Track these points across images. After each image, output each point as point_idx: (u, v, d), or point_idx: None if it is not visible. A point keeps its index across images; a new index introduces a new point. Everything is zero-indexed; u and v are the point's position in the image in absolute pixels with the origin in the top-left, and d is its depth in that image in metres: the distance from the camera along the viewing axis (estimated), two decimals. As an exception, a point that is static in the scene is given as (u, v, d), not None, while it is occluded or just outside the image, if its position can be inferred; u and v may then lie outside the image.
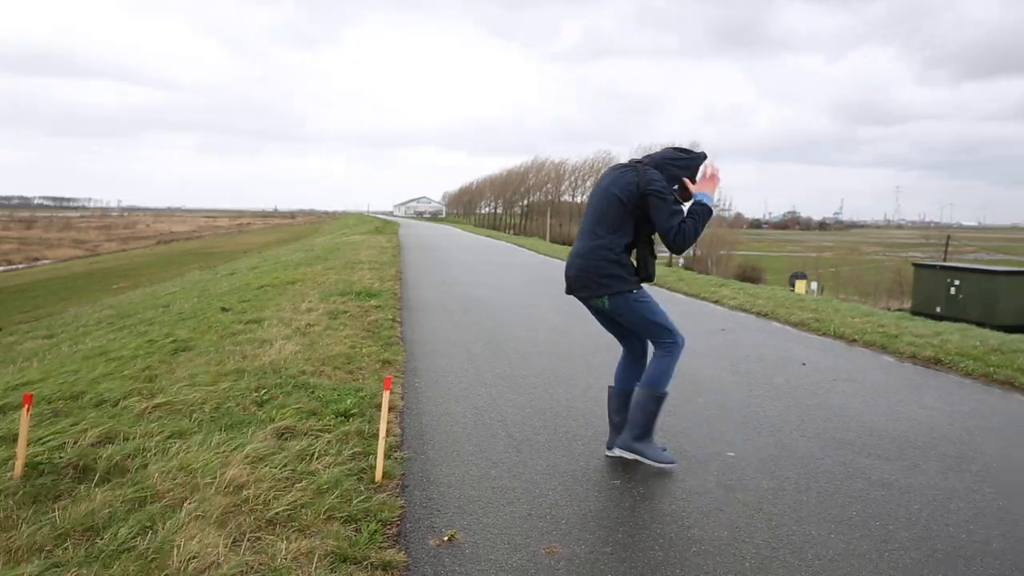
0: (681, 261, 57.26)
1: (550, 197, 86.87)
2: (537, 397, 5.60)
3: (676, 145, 4.57)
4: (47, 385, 5.60)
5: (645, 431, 4.08)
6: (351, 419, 4.64)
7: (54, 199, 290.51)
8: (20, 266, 62.31)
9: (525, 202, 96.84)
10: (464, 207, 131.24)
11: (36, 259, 69.37)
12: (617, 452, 4.20)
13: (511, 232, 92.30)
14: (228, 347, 6.74)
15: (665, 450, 4.21)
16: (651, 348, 4.22)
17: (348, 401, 4.98)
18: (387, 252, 22.21)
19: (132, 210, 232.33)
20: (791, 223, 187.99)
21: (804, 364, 6.98)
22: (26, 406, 3.56)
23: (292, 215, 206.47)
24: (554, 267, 19.30)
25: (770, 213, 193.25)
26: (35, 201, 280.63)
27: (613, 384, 4.35)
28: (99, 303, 20.58)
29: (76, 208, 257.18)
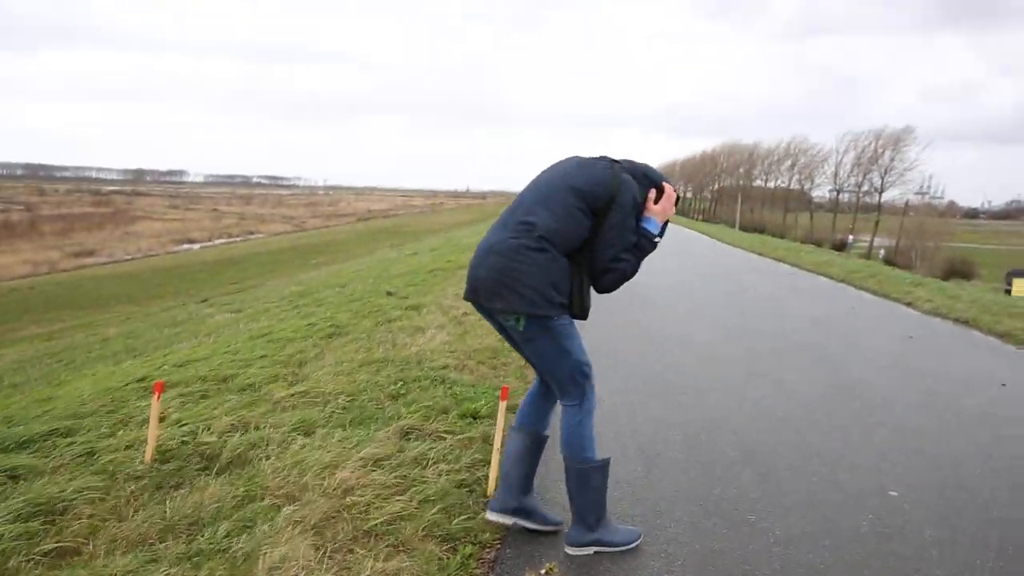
0: (882, 253, 53.45)
1: (741, 182, 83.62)
2: (683, 407, 5.21)
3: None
4: (207, 364, 5.84)
5: (600, 511, 3.13)
6: (479, 422, 4.47)
7: (269, 178, 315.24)
8: (237, 239, 67.71)
9: (715, 186, 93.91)
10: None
11: (251, 233, 74.95)
12: (572, 550, 3.10)
13: (699, 217, 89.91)
14: (381, 334, 6.81)
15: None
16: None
17: (481, 401, 4.82)
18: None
19: (336, 189, 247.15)
20: (1015, 213, 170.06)
21: (1004, 385, 6.10)
22: (157, 393, 3.64)
23: (483, 195, 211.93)
24: (736, 258, 18.43)
25: (990, 202, 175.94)
26: (254, 179, 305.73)
27: (514, 423, 3.34)
28: (293, 278, 21.88)
29: (288, 186, 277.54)
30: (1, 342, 18.15)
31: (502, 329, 3.19)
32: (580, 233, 2.99)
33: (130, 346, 9.52)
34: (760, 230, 75.74)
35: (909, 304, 10.64)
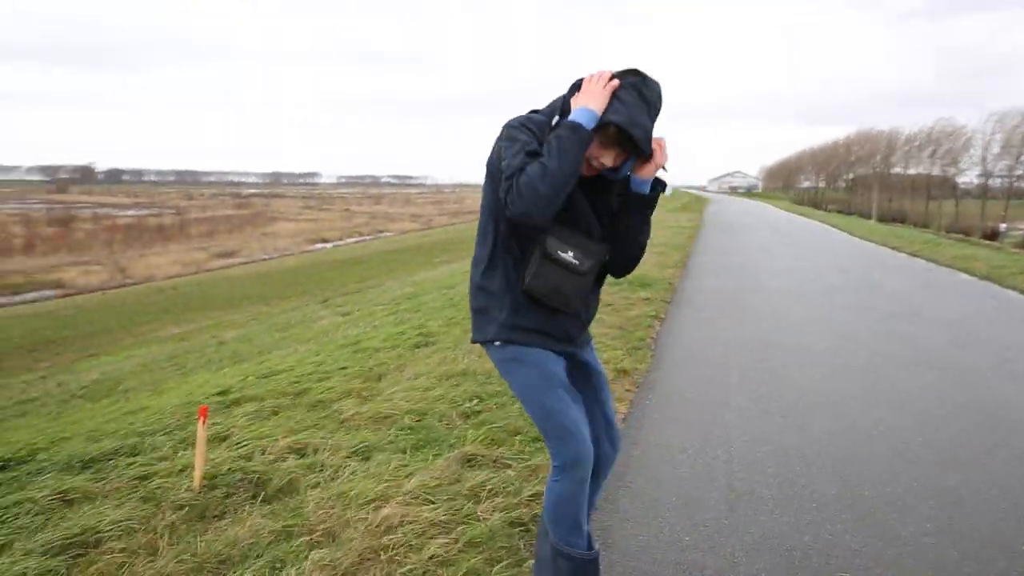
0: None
1: (878, 170, 79.13)
2: (785, 431, 4.69)
3: None
4: (289, 376, 5.77)
5: None
6: (549, 446, 4.14)
7: (398, 177, 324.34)
8: (368, 238, 69.64)
9: (850, 175, 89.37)
10: (783, 181, 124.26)
11: (381, 231, 76.93)
12: None
13: (832, 208, 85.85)
14: (468, 343, 6.57)
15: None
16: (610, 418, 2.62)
17: (556, 421, 4.50)
18: (684, 233, 21.41)
19: (462, 186, 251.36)
20: None
21: None
22: (202, 419, 3.51)
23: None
24: (866, 253, 17.25)
25: None
26: (383, 179, 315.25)
27: None
28: (410, 278, 22.10)
29: (415, 185, 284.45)
30: (141, 341, 19.16)
31: None
32: (495, 221, 2.33)
33: (238, 351, 9.70)
34: (900, 220, 71.50)
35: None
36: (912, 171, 78.49)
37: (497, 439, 4.18)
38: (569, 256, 2.24)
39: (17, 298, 34.83)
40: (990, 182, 65.03)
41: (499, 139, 2.25)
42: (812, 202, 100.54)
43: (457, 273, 17.85)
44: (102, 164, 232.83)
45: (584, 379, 2.50)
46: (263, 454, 3.88)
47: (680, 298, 9.81)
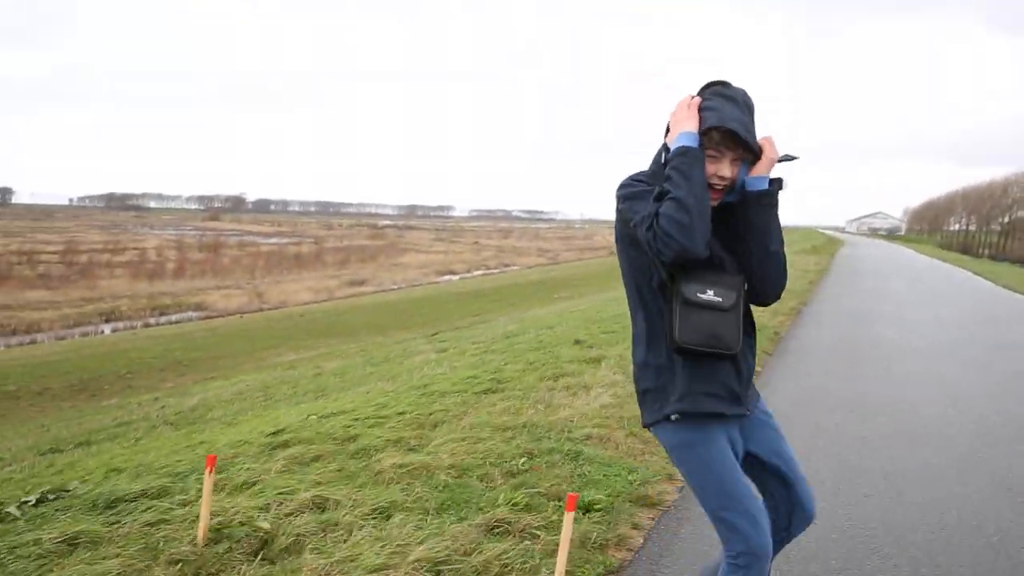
0: None
1: (1040, 214, 73.65)
2: (851, 510, 4.13)
3: None
4: (346, 418, 5.61)
5: None
6: (586, 517, 3.77)
7: (528, 211, 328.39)
8: (494, 271, 70.47)
9: (1006, 219, 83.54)
10: (929, 223, 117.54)
11: (507, 265, 77.73)
12: None
13: (985, 253, 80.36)
14: (540, 392, 6.27)
15: None
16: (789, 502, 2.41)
17: (603, 489, 4.12)
18: (807, 277, 20.38)
19: (592, 222, 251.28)
20: None
21: None
22: (209, 468, 3.35)
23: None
24: (1009, 305, 15.82)
25: None
26: (514, 213, 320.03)
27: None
28: (522, 314, 21.98)
29: (545, 220, 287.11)
30: (259, 367, 19.82)
31: None
32: (639, 291, 2.25)
33: (326, 385, 9.73)
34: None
35: None
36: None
37: (533, 504, 3.85)
38: (711, 295, 2.11)
39: (163, 319, 37.06)
40: None
41: (618, 206, 2.19)
42: (962, 247, 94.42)
43: (567, 312, 17.57)
44: (252, 195, 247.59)
45: (770, 436, 2.36)
46: (280, 506, 3.70)
47: (784, 348, 9.16)
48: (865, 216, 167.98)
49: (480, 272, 68.00)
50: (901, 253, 45.47)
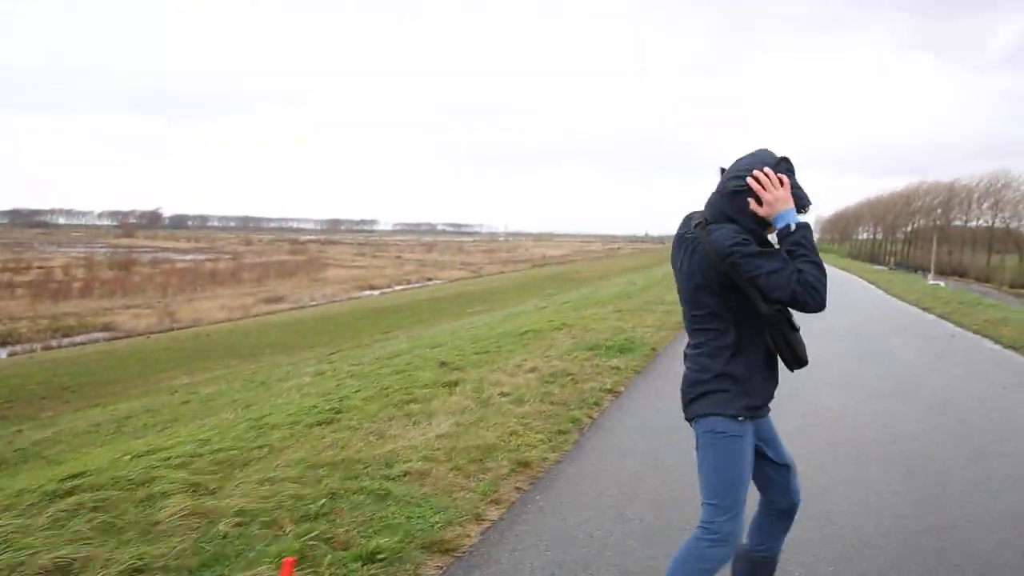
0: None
1: (938, 222, 76.82)
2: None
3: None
4: (155, 458, 5.18)
5: None
6: (364, 568, 3.46)
7: (453, 225, 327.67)
8: (416, 285, 69.78)
9: (909, 227, 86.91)
10: (840, 233, 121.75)
11: (429, 279, 77.10)
12: None
13: (891, 261, 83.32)
14: (378, 422, 5.94)
15: None
16: (786, 485, 2.98)
17: (397, 532, 3.81)
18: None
19: (517, 235, 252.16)
20: None
21: None
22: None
23: (661, 240, 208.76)
24: (894, 315, 16.18)
25: None
26: (438, 227, 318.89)
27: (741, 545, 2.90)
28: (415, 333, 21.61)
29: (470, 233, 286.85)
30: (147, 391, 18.97)
31: None
32: (733, 312, 2.69)
33: (183, 413, 9.22)
34: (960, 274, 68.98)
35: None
36: (973, 224, 76.04)
37: (314, 557, 3.51)
38: (795, 320, 2.75)
39: (67, 340, 35.38)
40: (1056, 236, 62.57)
41: (731, 259, 2.55)
42: (869, 254, 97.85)
43: (465, 328, 17.25)
44: (169, 210, 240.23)
45: (769, 427, 2.93)
46: (11, 573, 3.28)
47: (656, 367, 9.04)
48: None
49: (401, 287, 67.25)
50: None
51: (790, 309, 2.67)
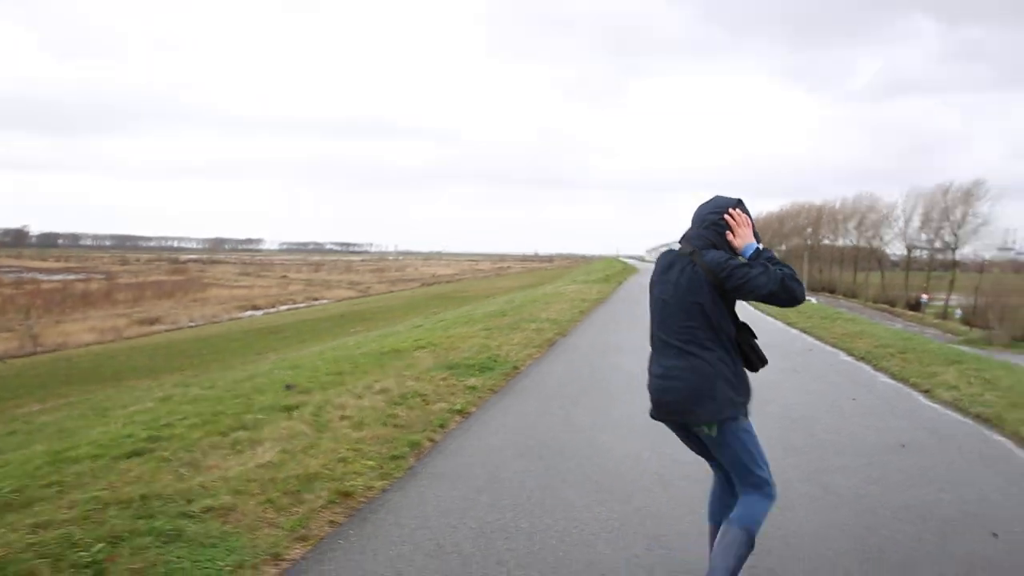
0: (958, 313, 50.01)
1: (809, 242, 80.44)
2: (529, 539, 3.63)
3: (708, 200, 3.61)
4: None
5: None
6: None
7: (342, 244, 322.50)
8: (301, 305, 67.89)
9: (783, 247, 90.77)
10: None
11: (315, 299, 75.22)
12: None
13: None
14: (196, 451, 5.44)
15: None
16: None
17: (175, 580, 3.38)
18: (582, 305, 20.63)
19: (407, 254, 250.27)
20: None
21: (996, 536, 4.33)
22: None
23: (550, 259, 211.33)
24: (771, 331, 16.54)
25: None
26: (327, 246, 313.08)
27: (709, 520, 3.67)
28: (287, 354, 20.82)
29: (359, 252, 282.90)
30: (-11, 422, 17.48)
31: (688, 438, 3.57)
32: (724, 316, 3.36)
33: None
34: (830, 290, 72.34)
35: (927, 392, 8.70)
36: (841, 243, 79.99)
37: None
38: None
39: (-89, 368, 32.59)
40: (914, 254, 66.38)
41: (722, 274, 3.27)
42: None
43: (334, 349, 16.64)
44: (37, 228, 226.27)
45: None
46: None
47: (514, 387, 8.79)
48: (661, 245, 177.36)
49: (286, 307, 65.27)
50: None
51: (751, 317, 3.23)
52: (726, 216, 3.40)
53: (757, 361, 3.45)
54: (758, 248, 3.35)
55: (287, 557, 3.82)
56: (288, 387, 8.09)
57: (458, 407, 7.27)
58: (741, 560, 3.25)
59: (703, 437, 3.40)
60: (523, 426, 6.76)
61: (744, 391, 3.38)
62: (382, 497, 4.77)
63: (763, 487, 3.37)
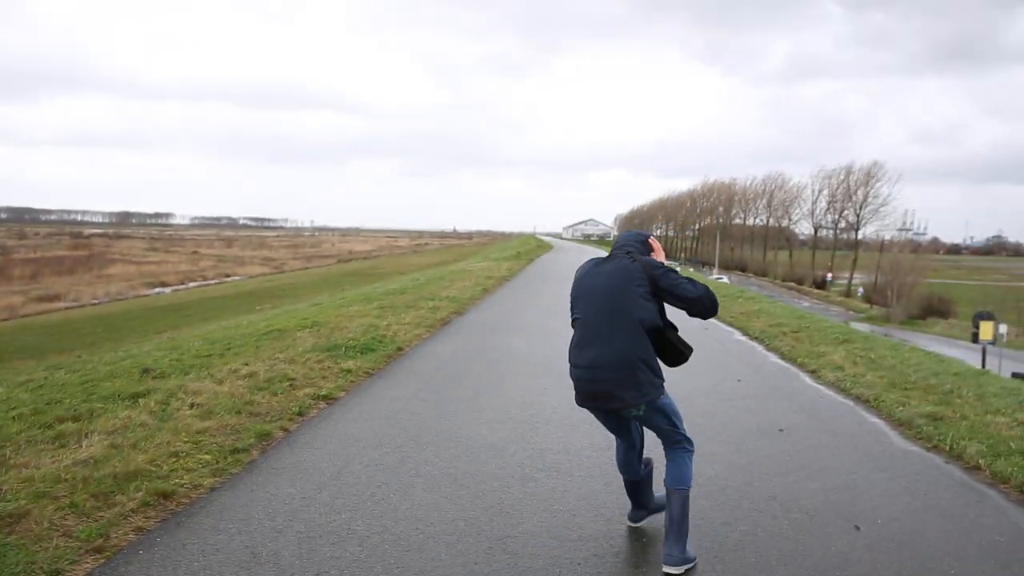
0: (860, 291, 51.70)
1: (720, 220, 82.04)
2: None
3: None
4: None
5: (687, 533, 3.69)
6: None
7: (256, 219, 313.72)
8: (212, 282, 65.84)
9: (697, 226, 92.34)
10: (636, 229, 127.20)
11: (228, 275, 73.16)
12: (672, 571, 3.58)
13: (682, 257, 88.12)
14: (7, 447, 4.87)
15: None
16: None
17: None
18: (487, 283, 20.29)
19: (323, 230, 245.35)
20: (997, 248, 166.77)
21: (858, 529, 4.15)
22: None
23: (469, 235, 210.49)
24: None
25: (972, 238, 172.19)
26: (240, 221, 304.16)
27: (625, 475, 4.05)
28: (185, 332, 19.93)
29: (274, 228, 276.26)
30: None
31: (608, 419, 3.85)
32: (655, 314, 3.67)
33: None
34: (743, 268, 73.99)
35: (813, 372, 8.64)
36: (751, 222, 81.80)
37: None
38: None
39: None
40: (820, 234, 68.39)
41: (657, 273, 3.68)
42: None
43: (228, 328, 15.90)
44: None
45: None
46: None
47: (395, 369, 8.38)
48: (579, 223, 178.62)
49: (196, 283, 63.25)
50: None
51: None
52: (650, 240, 3.98)
53: (684, 350, 3.76)
54: (672, 267, 3.88)
55: (67, 573, 3.34)
56: (145, 371, 7.49)
57: (324, 392, 6.82)
58: (688, 512, 3.66)
59: (630, 417, 3.73)
60: (389, 412, 6.36)
61: (662, 373, 3.66)
62: (207, 497, 4.30)
63: (684, 442, 3.76)
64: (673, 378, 7.83)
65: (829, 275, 58.72)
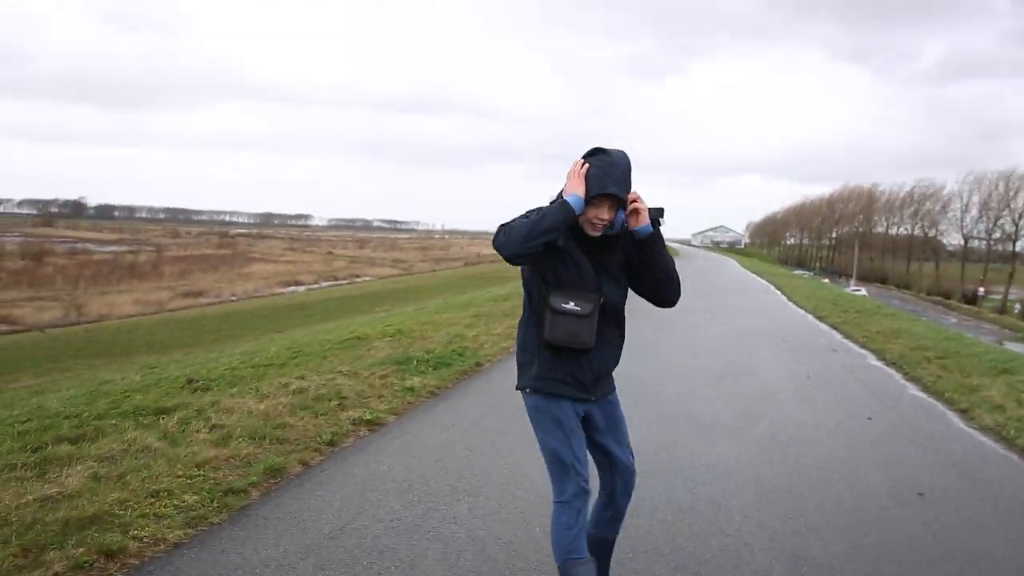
0: (1017, 307, 47.09)
1: (860, 229, 77.24)
2: None
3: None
4: None
5: None
6: None
7: (389, 221, 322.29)
8: (343, 282, 67.65)
9: (834, 234, 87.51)
10: (768, 237, 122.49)
11: (357, 276, 75.02)
12: None
13: (817, 266, 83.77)
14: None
15: None
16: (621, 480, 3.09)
17: None
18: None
19: (453, 233, 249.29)
20: None
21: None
22: None
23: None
24: (783, 325, 14.92)
25: None
26: (374, 223, 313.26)
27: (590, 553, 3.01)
28: (306, 330, 19.82)
29: (406, 230, 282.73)
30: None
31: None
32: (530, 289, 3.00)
33: None
34: (883, 280, 69.43)
35: (964, 412, 7.06)
36: (893, 231, 76.52)
37: None
38: (571, 305, 2.84)
39: (-42, 332, 32.74)
40: (971, 244, 63.08)
41: None
42: (797, 259, 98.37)
43: (327, 331, 15.55)
44: (95, 199, 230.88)
45: (608, 422, 3.03)
46: None
47: (465, 388, 7.45)
48: (708, 230, 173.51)
49: (328, 283, 65.06)
50: (726, 266, 45.76)
51: None
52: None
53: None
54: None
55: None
56: (189, 382, 6.86)
57: (372, 416, 5.92)
58: None
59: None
60: (436, 445, 5.40)
61: (532, 369, 2.99)
62: (161, 560, 3.43)
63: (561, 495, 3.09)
64: (787, 414, 6.56)
65: (981, 289, 53.95)
